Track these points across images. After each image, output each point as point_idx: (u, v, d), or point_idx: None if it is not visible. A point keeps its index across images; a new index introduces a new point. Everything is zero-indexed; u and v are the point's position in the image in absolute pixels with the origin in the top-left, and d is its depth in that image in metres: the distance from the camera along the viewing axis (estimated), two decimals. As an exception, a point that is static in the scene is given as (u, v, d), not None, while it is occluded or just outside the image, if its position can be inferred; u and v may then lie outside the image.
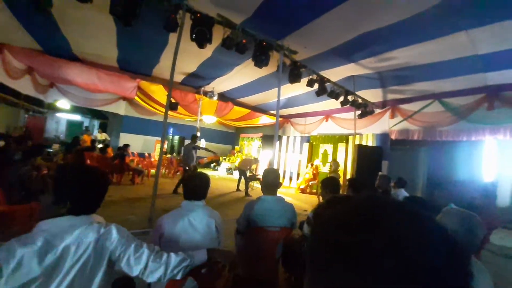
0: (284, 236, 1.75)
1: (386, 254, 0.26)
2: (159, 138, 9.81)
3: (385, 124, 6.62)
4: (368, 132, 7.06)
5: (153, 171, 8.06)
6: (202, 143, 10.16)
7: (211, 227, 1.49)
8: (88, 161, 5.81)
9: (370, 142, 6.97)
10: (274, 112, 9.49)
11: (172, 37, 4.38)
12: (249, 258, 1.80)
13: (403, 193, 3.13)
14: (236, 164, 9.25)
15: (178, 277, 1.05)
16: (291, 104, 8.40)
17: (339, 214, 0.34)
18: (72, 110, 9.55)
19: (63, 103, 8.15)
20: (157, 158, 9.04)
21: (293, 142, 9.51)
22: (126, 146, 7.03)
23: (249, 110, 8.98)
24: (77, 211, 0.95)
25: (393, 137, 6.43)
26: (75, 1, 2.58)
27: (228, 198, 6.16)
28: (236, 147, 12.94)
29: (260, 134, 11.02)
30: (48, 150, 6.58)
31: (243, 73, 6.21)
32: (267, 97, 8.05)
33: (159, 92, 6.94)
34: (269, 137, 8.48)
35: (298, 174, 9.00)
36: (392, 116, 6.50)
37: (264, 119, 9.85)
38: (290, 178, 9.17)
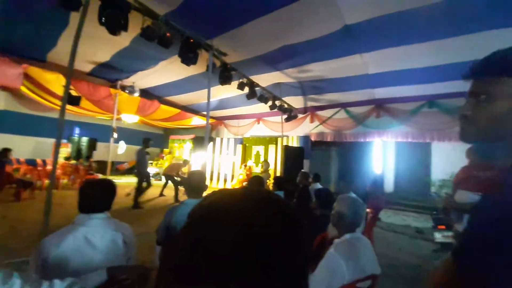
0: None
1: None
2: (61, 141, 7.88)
3: (306, 127, 7.51)
4: (293, 134, 7.84)
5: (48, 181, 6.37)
6: (121, 146, 8.80)
7: (117, 242, 1.24)
8: None
9: (295, 143, 7.74)
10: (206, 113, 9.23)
11: (74, 18, 3.58)
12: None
13: (317, 186, 3.62)
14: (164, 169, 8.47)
15: None
16: (224, 105, 8.38)
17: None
18: None
19: None
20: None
21: (227, 144, 9.51)
22: (6, 150, 5.29)
23: (179, 110, 8.38)
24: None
25: (312, 139, 7.37)
26: None
27: (152, 206, 5.54)
28: (165, 149, 11.87)
29: (192, 136, 10.50)
30: None
31: (171, 70, 5.73)
32: (199, 97, 7.73)
33: (55, 82, 5.53)
34: (202, 139, 8.18)
35: (233, 176, 9.06)
36: (311, 121, 7.44)
37: (197, 120, 9.43)
38: (225, 180, 9.13)
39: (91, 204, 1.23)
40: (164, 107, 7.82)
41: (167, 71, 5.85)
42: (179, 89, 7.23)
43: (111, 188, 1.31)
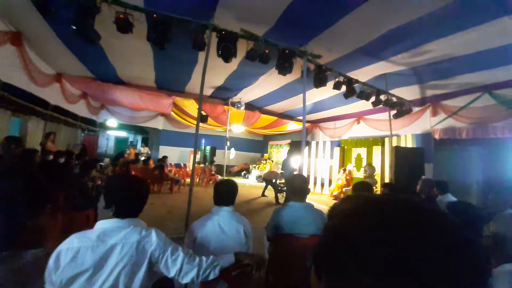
0: (315, 244, 1.71)
1: (378, 243, 0.28)
2: (193, 149, 10.44)
3: (426, 123, 6.06)
4: (407, 133, 6.52)
5: (188, 180, 8.58)
6: (232, 152, 10.48)
7: (239, 232, 1.55)
8: (133, 172, 6.44)
9: (409, 143, 6.42)
10: (300, 117, 9.39)
11: (201, 55, 4.73)
12: (279, 265, 1.81)
13: (449, 198, 2.78)
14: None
15: (210, 277, 1.13)
16: (319, 108, 8.23)
17: (347, 209, 0.37)
18: (119, 127, 10.76)
19: (111, 121, 9.27)
20: (191, 168, 9.61)
21: (323, 147, 9.22)
22: (165, 157, 7.62)
23: (276, 118, 9.03)
24: (122, 214, 1.10)
25: (436, 136, 5.83)
26: (118, 33, 3.00)
27: (255, 205, 6.20)
28: (265, 154, 13.02)
29: (289, 141, 10.95)
30: (100, 164, 7.48)
31: (268, 82, 6.34)
32: (293, 103, 8.03)
33: (191, 107, 7.45)
34: (297, 143, 8.39)
35: (330, 180, 8.64)
36: (433, 114, 5.93)
37: (292, 126, 9.79)
38: (322, 185, 8.85)
39: (222, 198, 1.62)
40: (263, 116, 8.69)
41: (265, 83, 6.50)
42: (276, 98, 7.81)
43: (235, 187, 1.69)
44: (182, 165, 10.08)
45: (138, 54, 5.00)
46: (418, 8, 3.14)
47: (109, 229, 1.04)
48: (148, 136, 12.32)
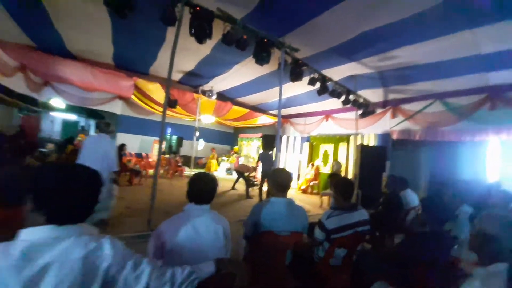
0: (294, 242, 1.62)
1: None
2: (157, 138, 9.63)
3: (386, 124, 6.55)
4: (370, 132, 6.99)
5: (151, 171, 7.92)
6: (200, 143, 10.02)
7: (218, 234, 1.35)
8: (83, 161, 5.63)
9: (371, 142, 6.90)
10: (273, 112, 9.39)
11: (170, 33, 4.26)
12: (257, 265, 1.68)
13: (409, 193, 3.02)
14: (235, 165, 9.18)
15: None
16: (291, 103, 8.31)
17: None
18: (68, 109, 9.35)
19: (57, 102, 7.94)
20: (155, 158, 8.90)
21: (293, 142, 9.41)
22: (123, 145, 6.85)
23: (248, 110, 8.85)
24: (59, 219, 0.79)
25: (394, 137, 6.36)
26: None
27: (227, 198, 6.04)
28: (235, 147, 12.80)
29: (259, 134, 10.91)
30: (41, 150, 6.39)
31: (243, 72, 6.10)
32: (267, 96, 7.95)
33: (156, 91, 6.78)
34: (270, 137, 8.39)
35: (299, 175, 8.90)
36: (393, 116, 6.44)
37: (263, 119, 9.73)
38: (290, 179, 9.08)
39: (201, 196, 1.37)
40: (235, 107, 8.42)
41: (240, 73, 6.25)
42: (249, 90, 7.62)
43: (216, 183, 1.44)
44: (144, 155, 9.25)
45: (92, 22, 4.26)
46: (393, 12, 3.26)
47: (38, 243, 0.73)
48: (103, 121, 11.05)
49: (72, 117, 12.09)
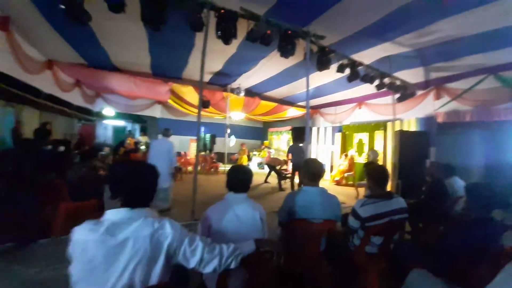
0: (328, 229, 1.68)
1: None
2: (193, 137, 10.32)
3: (429, 106, 5.96)
4: (410, 117, 6.44)
5: (189, 168, 8.58)
6: (232, 139, 10.40)
7: (256, 219, 1.51)
8: (133, 162, 6.37)
9: (412, 127, 6.36)
10: (302, 103, 9.22)
11: (198, 38, 4.50)
12: (291, 250, 1.79)
13: (458, 182, 2.76)
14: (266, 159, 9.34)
15: (232, 266, 1.08)
16: (319, 93, 8.06)
17: None
18: (116, 116, 10.54)
19: (108, 110, 9.04)
20: (192, 156, 9.56)
21: (324, 133, 9.16)
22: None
23: (276, 104, 8.86)
24: (132, 203, 1.00)
25: (439, 120, 5.77)
26: (110, 13, 2.80)
27: (260, 191, 6.24)
28: (265, 141, 12.96)
29: (289, 127, 10.85)
30: (101, 153, 7.39)
31: (268, 66, 6.12)
32: (294, 88, 7.83)
33: (189, 94, 7.25)
34: (299, 129, 8.33)
35: (332, 166, 8.67)
36: (437, 97, 5.82)
37: (292, 112, 9.64)
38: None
39: (238, 185, 1.57)
40: (263, 102, 8.51)
41: (265, 68, 6.29)
42: (276, 84, 7.61)
43: (251, 173, 1.64)
44: (182, 153, 10.01)
45: (131, 37, 4.75)
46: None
47: (118, 221, 0.95)
48: (146, 125, 12.16)
49: (120, 123, 13.57)
